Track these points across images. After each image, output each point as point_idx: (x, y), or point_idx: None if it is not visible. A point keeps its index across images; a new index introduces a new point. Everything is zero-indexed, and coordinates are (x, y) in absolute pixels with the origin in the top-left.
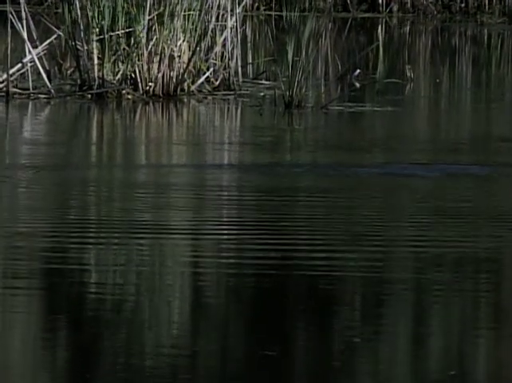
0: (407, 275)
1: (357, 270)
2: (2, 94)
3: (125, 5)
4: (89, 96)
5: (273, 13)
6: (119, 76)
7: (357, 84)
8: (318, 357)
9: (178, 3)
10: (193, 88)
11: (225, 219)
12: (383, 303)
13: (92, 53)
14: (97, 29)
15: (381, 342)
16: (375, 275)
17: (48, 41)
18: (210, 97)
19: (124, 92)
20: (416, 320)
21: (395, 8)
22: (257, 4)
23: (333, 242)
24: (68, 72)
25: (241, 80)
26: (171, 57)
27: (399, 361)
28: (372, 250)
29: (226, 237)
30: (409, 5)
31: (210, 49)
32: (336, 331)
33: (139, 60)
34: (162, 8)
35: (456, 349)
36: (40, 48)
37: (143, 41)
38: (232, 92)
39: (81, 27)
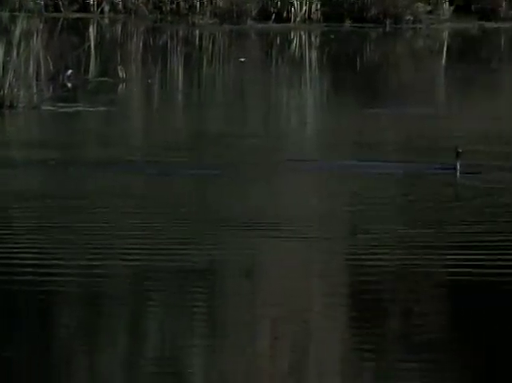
0: (123, 288)
1: (72, 284)
2: None
3: None
4: None
5: None
6: None
7: (69, 85)
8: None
9: None
10: None
11: None
12: (100, 317)
13: None
14: None
15: (99, 352)
16: (91, 289)
17: None
18: None
19: None
20: (132, 333)
21: (106, 8)
22: None
23: (46, 250)
24: None
25: None
26: None
27: (115, 370)
28: (89, 259)
29: None
30: (121, 5)
31: None
32: (56, 343)
33: None
34: None
35: (173, 358)
36: None
37: None
38: None
39: None
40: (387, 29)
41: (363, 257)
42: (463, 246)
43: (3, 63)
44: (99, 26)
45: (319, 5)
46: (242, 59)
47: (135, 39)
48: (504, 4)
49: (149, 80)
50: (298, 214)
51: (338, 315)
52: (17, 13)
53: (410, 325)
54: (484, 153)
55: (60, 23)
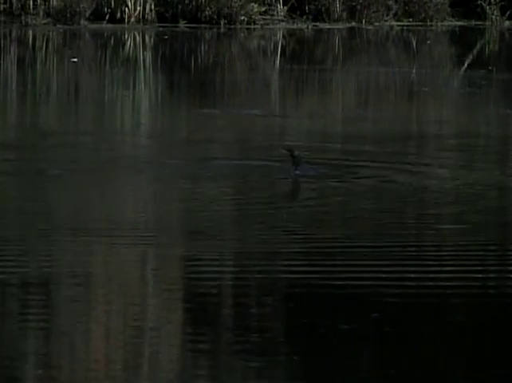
0: None
1: None
2: None
3: None
4: None
5: None
6: None
7: None
8: None
9: None
10: None
11: None
12: None
13: None
14: None
15: None
16: None
17: None
18: None
19: None
20: None
21: None
22: None
23: None
24: None
25: None
26: None
27: None
28: None
29: None
30: None
31: None
32: None
33: None
34: None
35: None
36: None
37: None
38: None
39: None
40: (222, 29)
41: (199, 261)
42: (303, 252)
43: None
44: None
45: (153, 6)
46: (75, 59)
47: None
48: (337, 5)
49: None
50: (135, 217)
51: (174, 320)
52: None
53: (246, 327)
54: (320, 154)
55: None
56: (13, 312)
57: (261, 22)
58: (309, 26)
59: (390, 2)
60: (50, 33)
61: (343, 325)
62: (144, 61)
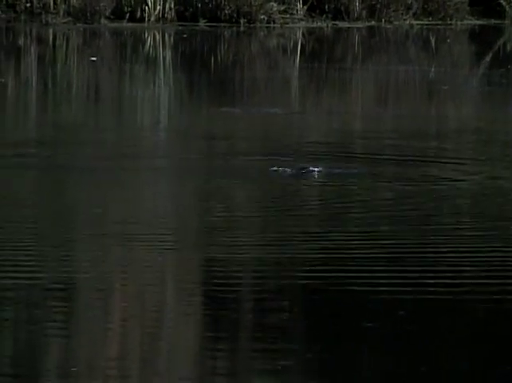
0: None
1: None
2: None
3: None
4: None
5: None
6: None
7: None
8: None
9: None
10: None
11: None
12: None
13: None
14: None
15: None
16: None
17: None
18: None
19: None
20: None
21: None
22: None
23: None
24: None
25: None
26: None
27: None
28: None
29: None
30: None
31: None
32: None
33: None
34: None
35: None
36: None
37: None
38: None
39: None
40: (242, 28)
41: (218, 262)
42: (324, 250)
43: None
44: None
45: (173, 5)
46: (94, 58)
47: None
48: (357, 4)
49: (2, 80)
50: (154, 217)
51: (193, 319)
52: None
53: (267, 325)
54: (340, 151)
55: None
56: (34, 317)
57: (281, 21)
58: (329, 25)
59: (410, 1)
60: (70, 32)
61: (367, 323)
62: (164, 59)
